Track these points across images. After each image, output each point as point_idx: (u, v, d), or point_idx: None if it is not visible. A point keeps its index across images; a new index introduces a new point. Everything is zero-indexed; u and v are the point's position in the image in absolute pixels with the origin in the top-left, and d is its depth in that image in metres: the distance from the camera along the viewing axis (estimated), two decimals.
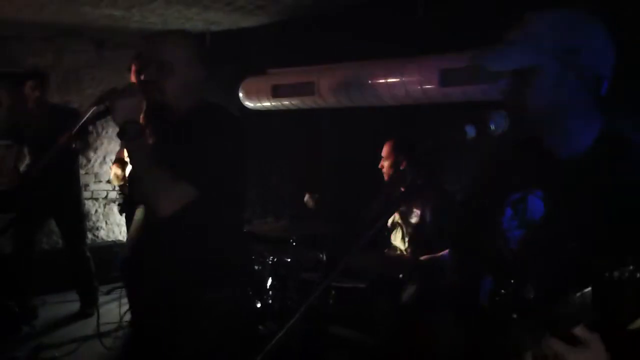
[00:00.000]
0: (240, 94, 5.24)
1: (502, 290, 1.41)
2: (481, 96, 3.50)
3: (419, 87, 3.80)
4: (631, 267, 1.04)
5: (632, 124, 1.39)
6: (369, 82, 4.15)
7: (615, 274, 1.05)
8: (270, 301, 3.33)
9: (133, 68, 4.06)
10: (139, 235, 3.15)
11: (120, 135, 1.91)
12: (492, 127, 1.32)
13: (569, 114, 1.35)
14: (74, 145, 4.39)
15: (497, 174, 1.55)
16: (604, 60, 1.34)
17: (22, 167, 4.44)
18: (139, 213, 3.97)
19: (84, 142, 4.70)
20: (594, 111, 1.37)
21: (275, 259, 3.47)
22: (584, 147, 1.36)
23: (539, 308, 1.28)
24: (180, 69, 2.04)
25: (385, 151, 3.57)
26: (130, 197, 4.18)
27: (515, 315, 1.33)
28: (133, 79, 4.03)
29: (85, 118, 4.28)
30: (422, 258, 3.28)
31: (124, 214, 4.52)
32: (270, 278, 3.40)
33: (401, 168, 3.48)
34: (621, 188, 1.26)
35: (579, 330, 1.15)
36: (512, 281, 1.39)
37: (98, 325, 4.18)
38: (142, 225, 3.40)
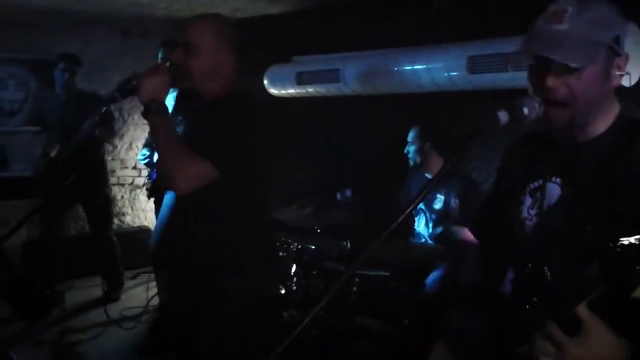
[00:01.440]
0: (265, 81, 5.23)
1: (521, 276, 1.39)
2: (510, 83, 3.43)
3: (446, 74, 3.75)
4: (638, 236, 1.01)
5: None
6: (395, 69, 4.11)
7: (622, 242, 1.02)
8: (294, 288, 3.34)
9: (160, 55, 4.08)
10: (166, 221, 3.18)
11: (144, 113, 1.93)
12: (525, 112, 1.30)
13: (602, 103, 1.32)
14: (97, 132, 4.44)
15: (517, 167, 1.52)
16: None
17: (52, 153, 4.50)
18: (167, 199, 4.00)
19: (109, 128, 4.74)
20: (614, 94, 1.35)
21: (299, 247, 3.47)
22: (603, 130, 1.34)
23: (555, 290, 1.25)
24: (208, 52, 2.03)
25: (411, 136, 3.54)
26: (158, 182, 4.22)
27: (535, 299, 1.31)
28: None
29: (107, 103, 4.33)
30: (439, 229, 3.28)
31: (152, 199, 4.57)
32: (294, 265, 3.41)
33: (427, 153, 3.46)
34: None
35: (580, 311, 1.10)
36: (530, 265, 1.37)
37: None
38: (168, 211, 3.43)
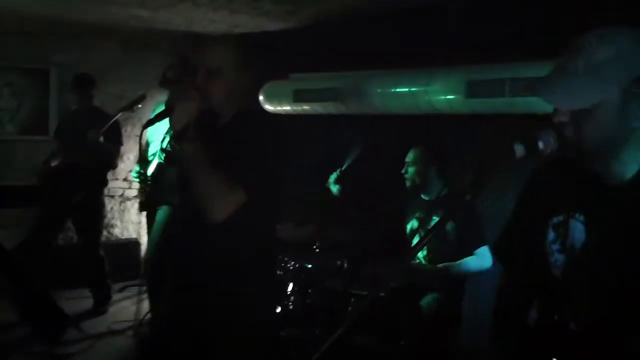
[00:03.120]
0: (261, 97, 5.23)
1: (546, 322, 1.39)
2: (508, 109, 3.49)
3: (444, 98, 3.79)
4: None
5: None
6: (393, 90, 4.14)
7: None
8: (291, 307, 3.33)
9: (168, 70, 4.02)
10: (166, 236, 3.18)
11: (179, 139, 1.94)
12: (541, 146, 1.32)
13: (623, 143, 1.32)
14: (103, 145, 4.47)
15: (540, 194, 1.52)
16: None
17: (54, 163, 4.51)
18: (161, 213, 3.97)
19: (115, 142, 4.75)
20: None
21: (296, 265, 3.47)
22: (631, 174, 1.33)
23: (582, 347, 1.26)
24: (229, 74, 2.07)
25: (411, 157, 3.56)
26: (152, 196, 4.19)
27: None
28: (163, 80, 4.02)
29: (114, 118, 4.40)
30: (439, 266, 3.28)
31: (143, 213, 4.56)
32: (291, 283, 3.40)
33: (430, 175, 3.48)
34: None
35: None
36: (555, 313, 1.37)
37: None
38: (168, 225, 3.42)
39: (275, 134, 2.09)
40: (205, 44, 2.15)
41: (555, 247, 1.41)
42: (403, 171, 3.58)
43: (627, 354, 1.16)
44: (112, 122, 4.40)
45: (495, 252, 1.73)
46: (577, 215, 1.38)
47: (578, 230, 1.37)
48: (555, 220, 1.42)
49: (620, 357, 1.23)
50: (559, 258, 1.40)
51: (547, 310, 1.40)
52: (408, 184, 3.57)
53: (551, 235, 1.42)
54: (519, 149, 1.30)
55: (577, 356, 1.27)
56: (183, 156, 1.98)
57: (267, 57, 5.14)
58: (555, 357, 1.32)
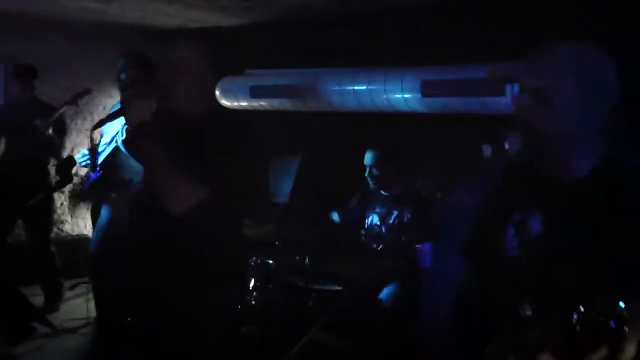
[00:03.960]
0: (217, 92, 5.21)
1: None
2: (461, 107, 3.60)
3: (401, 96, 3.87)
4: (594, 313, 1.12)
5: (631, 151, 1.48)
6: (350, 88, 4.20)
7: (579, 315, 1.12)
8: (253, 302, 3.36)
9: (125, 65, 3.89)
10: (114, 231, 3.12)
11: (134, 137, 1.91)
12: (507, 146, 1.41)
13: (576, 139, 1.42)
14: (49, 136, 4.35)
15: (502, 196, 1.61)
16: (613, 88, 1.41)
17: None
18: (107, 207, 3.86)
19: (60, 134, 4.63)
20: (596, 135, 1.44)
21: (258, 261, 3.49)
22: (584, 172, 1.43)
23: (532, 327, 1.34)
24: (192, 73, 2.03)
25: (370, 159, 3.62)
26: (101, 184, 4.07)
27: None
28: (122, 76, 3.91)
29: (60, 111, 4.27)
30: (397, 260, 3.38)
31: (84, 203, 4.46)
32: (252, 280, 3.42)
33: (391, 173, 3.56)
34: (617, 214, 1.34)
35: (544, 357, 1.20)
36: (512, 303, 1.43)
37: None
38: (116, 220, 3.35)
39: (243, 133, 2.08)
40: (169, 41, 2.10)
41: (515, 243, 1.50)
42: (366, 174, 3.64)
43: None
44: (58, 114, 4.29)
45: (462, 251, 1.81)
46: (535, 212, 1.47)
47: (535, 226, 1.46)
48: (515, 217, 1.51)
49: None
50: (519, 255, 1.49)
51: (507, 299, 1.48)
52: (371, 184, 3.64)
53: (511, 231, 1.51)
54: (487, 149, 1.38)
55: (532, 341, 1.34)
56: (141, 152, 1.96)
57: (227, 53, 5.15)
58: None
